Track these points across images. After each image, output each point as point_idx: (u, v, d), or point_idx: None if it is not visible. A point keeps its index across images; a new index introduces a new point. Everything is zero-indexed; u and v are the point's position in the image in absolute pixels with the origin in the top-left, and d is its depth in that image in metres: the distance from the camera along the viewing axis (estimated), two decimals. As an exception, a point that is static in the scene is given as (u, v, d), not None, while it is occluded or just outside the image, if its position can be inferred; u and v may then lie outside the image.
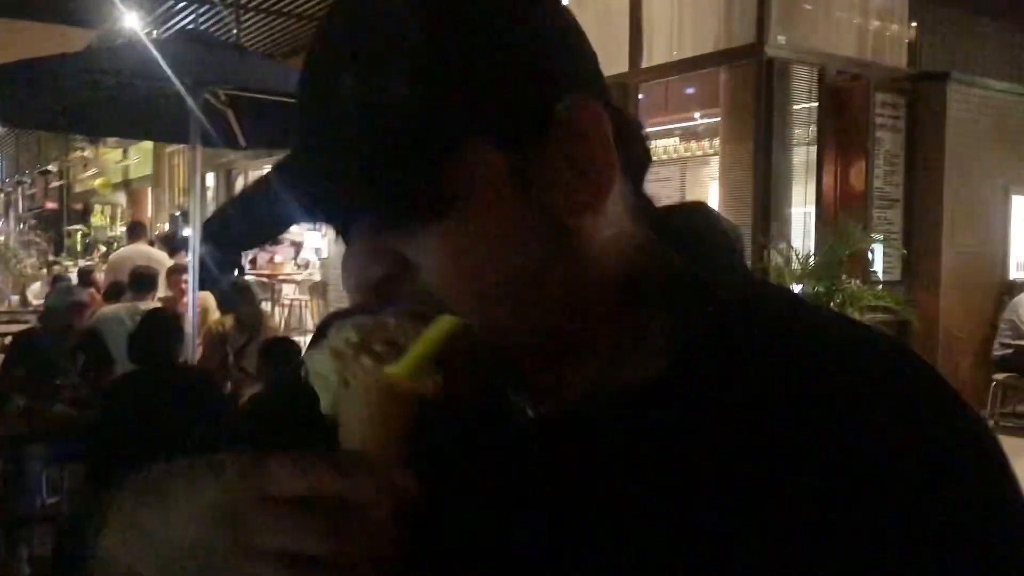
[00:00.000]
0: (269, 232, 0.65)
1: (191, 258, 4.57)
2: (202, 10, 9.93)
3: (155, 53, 3.66)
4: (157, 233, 15.07)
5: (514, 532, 0.62)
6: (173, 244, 9.22)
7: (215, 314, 6.78)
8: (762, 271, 7.20)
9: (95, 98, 3.85)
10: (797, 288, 7.22)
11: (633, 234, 0.63)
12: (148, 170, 21.15)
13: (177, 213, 18.48)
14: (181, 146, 18.22)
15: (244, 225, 0.64)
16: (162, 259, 7.78)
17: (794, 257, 7.28)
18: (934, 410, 0.55)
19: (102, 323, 4.71)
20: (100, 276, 10.28)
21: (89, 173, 23.52)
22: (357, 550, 0.50)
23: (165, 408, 2.95)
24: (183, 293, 6.70)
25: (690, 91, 9.31)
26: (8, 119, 5.25)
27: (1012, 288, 8.17)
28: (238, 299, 5.28)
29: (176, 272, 6.22)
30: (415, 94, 0.56)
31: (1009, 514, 0.54)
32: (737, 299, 0.61)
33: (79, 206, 27.00)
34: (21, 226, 24.48)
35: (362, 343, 0.55)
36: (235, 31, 8.67)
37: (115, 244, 20.22)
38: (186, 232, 15.10)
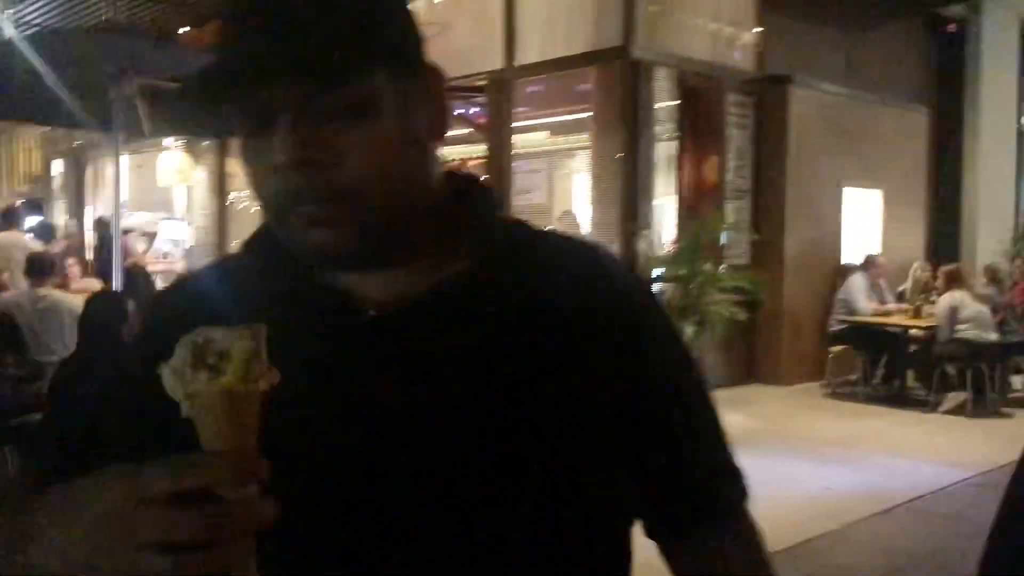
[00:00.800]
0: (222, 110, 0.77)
1: (114, 242, 4.65)
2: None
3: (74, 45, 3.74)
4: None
5: (358, 416, 0.78)
6: (42, 230, 8.93)
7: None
8: (629, 256, 7.81)
9: (10, 84, 3.90)
10: (661, 271, 7.88)
11: (449, 172, 0.87)
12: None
13: (18, 202, 17.58)
14: (18, 130, 17.34)
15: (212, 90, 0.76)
16: (35, 247, 7.61)
17: (656, 243, 7.92)
18: (631, 272, 0.95)
19: (7, 310, 4.74)
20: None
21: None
22: (224, 531, 0.59)
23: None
24: (71, 279, 6.66)
25: (559, 89, 9.81)
26: None
27: (844, 271, 9.11)
28: (138, 284, 5.36)
29: (64, 258, 6.18)
30: (352, 27, 0.74)
31: (669, 335, 0.90)
32: (516, 222, 0.90)
33: None
34: None
35: (196, 360, 0.62)
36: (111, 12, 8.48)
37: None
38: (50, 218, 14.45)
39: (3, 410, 3.93)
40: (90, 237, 13.07)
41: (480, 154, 11.58)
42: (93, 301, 3.71)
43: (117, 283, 7.38)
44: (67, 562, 0.63)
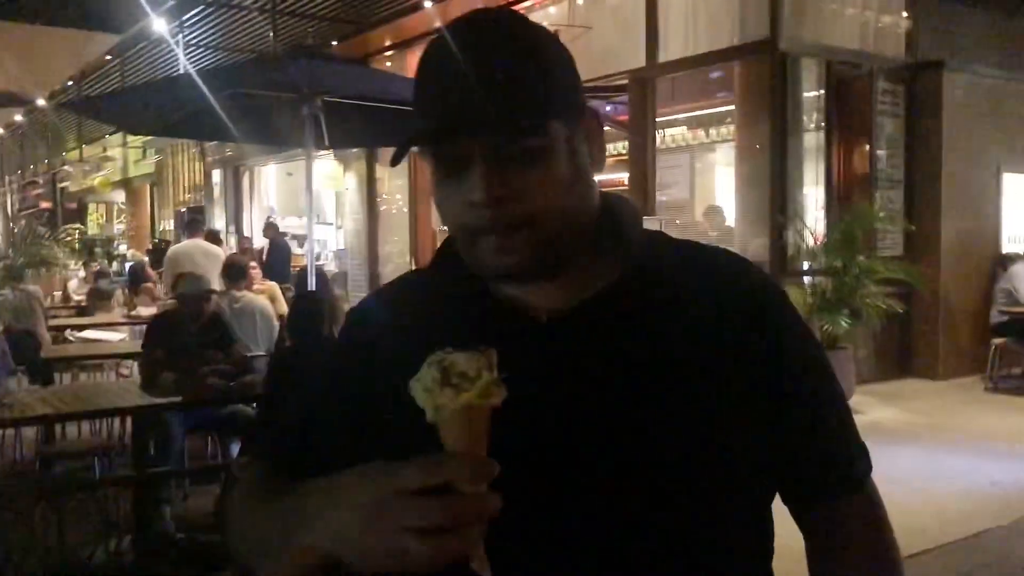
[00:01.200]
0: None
1: (308, 247, 5.07)
2: (232, 15, 10.33)
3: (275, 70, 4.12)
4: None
5: (546, 418, 0.90)
6: (215, 238, 9.64)
7: (281, 302, 7.27)
8: (781, 248, 7.79)
9: (211, 107, 4.34)
10: (811, 264, 7.83)
11: (601, 194, 1.01)
12: (149, 168, 21.43)
13: (183, 209, 18.83)
14: (180, 145, 18.51)
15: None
16: (219, 252, 8.23)
17: (809, 235, 7.86)
18: (761, 272, 1.03)
19: (216, 309, 5.22)
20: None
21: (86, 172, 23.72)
22: (465, 519, 0.71)
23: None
24: (252, 281, 7.19)
25: (700, 83, 9.83)
26: (133, 129, 5.71)
27: (1005, 260, 8.77)
28: (321, 285, 5.75)
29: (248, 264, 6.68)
30: (534, 88, 0.89)
31: (794, 326, 1.00)
32: (656, 233, 1.03)
33: (73, 205, 27.20)
34: (10, 226, 24.53)
35: (443, 378, 0.75)
36: (271, 34, 9.10)
37: (117, 242, 20.51)
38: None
39: (216, 400, 4.37)
40: (257, 241, 13.82)
41: (622, 151, 11.73)
42: (300, 301, 4.08)
43: (289, 283, 7.90)
44: (338, 543, 0.77)
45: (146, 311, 8.10)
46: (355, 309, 1.10)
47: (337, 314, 5.93)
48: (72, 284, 11.08)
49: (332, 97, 4.59)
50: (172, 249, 8.73)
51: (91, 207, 27.25)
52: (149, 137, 18.68)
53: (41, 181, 26.27)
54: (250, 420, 4.52)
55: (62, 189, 25.83)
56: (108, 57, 12.93)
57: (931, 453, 6.14)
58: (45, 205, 26.54)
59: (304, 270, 6.90)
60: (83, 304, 9.83)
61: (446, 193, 0.92)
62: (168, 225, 20.52)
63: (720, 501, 0.90)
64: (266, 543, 0.87)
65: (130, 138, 19.25)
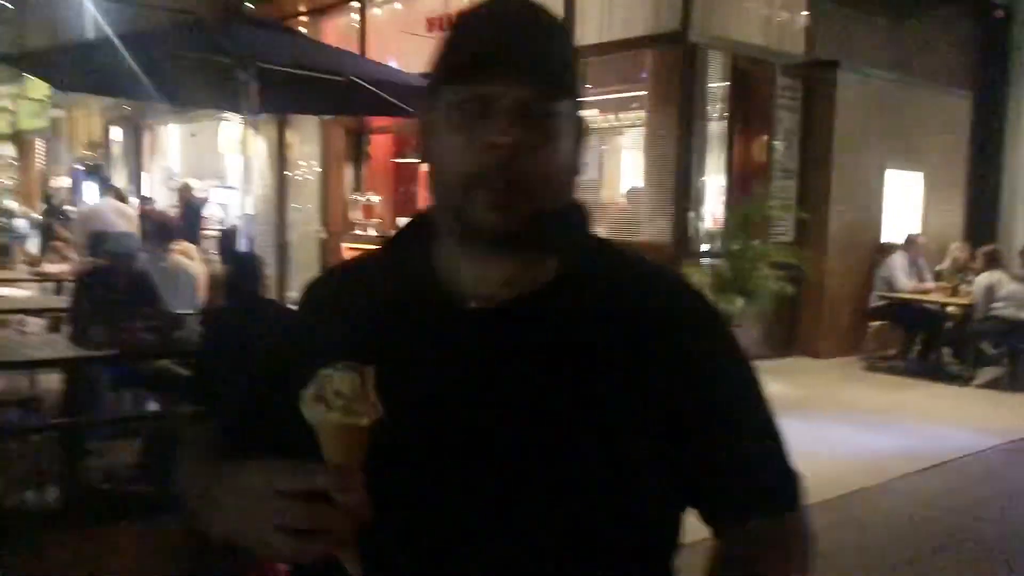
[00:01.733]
0: None
1: (236, 211, 5.12)
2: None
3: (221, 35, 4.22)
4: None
5: (456, 404, 0.92)
6: (122, 197, 9.50)
7: (198, 262, 7.29)
8: (683, 230, 8.23)
9: (150, 69, 4.41)
10: (712, 245, 8.30)
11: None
12: (43, 123, 20.58)
13: (79, 165, 18.21)
14: (79, 99, 17.89)
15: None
16: (131, 212, 8.16)
17: (709, 218, 8.34)
18: (697, 293, 1.05)
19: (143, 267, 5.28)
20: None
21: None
22: (330, 523, 0.78)
23: (256, 336, 3.61)
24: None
25: (611, 69, 10.17)
26: (81, 88, 5.66)
27: (884, 249, 9.46)
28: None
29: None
30: (565, 60, 0.95)
31: (733, 353, 1.01)
32: (604, 241, 1.05)
33: (-46, 157, 25.85)
34: None
35: (317, 394, 0.78)
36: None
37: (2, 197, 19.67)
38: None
39: (148, 355, 4.47)
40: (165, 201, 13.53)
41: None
42: (236, 262, 4.22)
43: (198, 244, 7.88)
44: (223, 525, 0.87)
45: (54, 268, 7.99)
46: (311, 286, 1.11)
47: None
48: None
49: (268, 64, 4.71)
50: (85, 208, 8.60)
51: (-26, 160, 25.92)
52: (53, 91, 18.01)
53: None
54: (178, 377, 4.64)
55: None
56: (8, 5, 12.43)
57: (813, 423, 6.68)
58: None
59: (231, 231, 6.95)
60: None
61: (457, 137, 0.92)
62: (62, 183, 19.79)
63: (618, 502, 0.91)
64: (197, 501, 0.95)
65: (30, 90, 18.46)
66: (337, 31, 11.45)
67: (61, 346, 4.44)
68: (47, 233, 10.81)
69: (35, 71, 5.72)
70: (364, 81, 5.43)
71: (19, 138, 22.41)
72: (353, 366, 0.78)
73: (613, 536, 0.92)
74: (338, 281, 1.11)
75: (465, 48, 0.94)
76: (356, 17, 11.35)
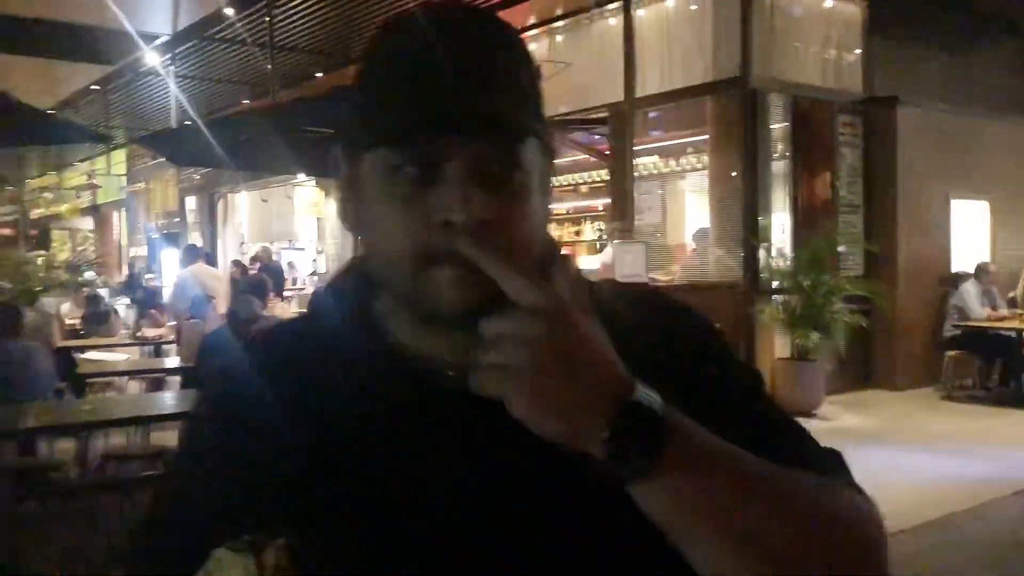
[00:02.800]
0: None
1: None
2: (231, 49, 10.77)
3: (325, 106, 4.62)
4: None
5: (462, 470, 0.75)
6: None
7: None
8: (753, 268, 8.40)
9: (267, 142, 4.81)
10: (783, 282, 8.45)
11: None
12: (121, 196, 21.56)
13: (155, 235, 19.03)
14: (153, 171, 18.76)
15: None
16: (223, 275, 8.61)
17: (778, 256, 8.50)
18: (699, 315, 0.93)
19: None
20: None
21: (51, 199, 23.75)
22: None
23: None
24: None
25: (673, 115, 10.48)
26: (196, 163, 6.16)
27: (955, 279, 9.50)
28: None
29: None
30: (524, 93, 0.76)
31: (734, 356, 0.91)
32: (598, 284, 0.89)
33: (34, 232, 27.06)
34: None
35: None
36: (270, 66, 9.57)
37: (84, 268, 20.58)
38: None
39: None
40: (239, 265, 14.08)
41: (596, 179, 12.35)
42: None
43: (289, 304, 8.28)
44: None
45: (152, 332, 8.46)
46: (246, 347, 0.87)
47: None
48: (64, 307, 11.31)
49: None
50: (179, 274, 9.07)
51: (55, 233, 27.14)
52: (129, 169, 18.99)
53: (5, 209, 26.14)
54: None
55: (17, 215, 25.72)
56: (94, 87, 13.23)
57: (896, 453, 6.74)
58: (6, 232, 26.37)
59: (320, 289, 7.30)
60: (77, 327, 10.09)
61: (395, 211, 0.73)
62: (140, 251, 20.66)
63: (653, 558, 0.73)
64: None
65: (113, 166, 19.46)
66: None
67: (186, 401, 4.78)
68: (138, 300, 11.36)
69: (158, 149, 6.18)
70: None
71: (98, 211, 23.51)
72: (248, 543, 0.66)
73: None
74: (276, 348, 0.87)
75: (396, 89, 0.73)
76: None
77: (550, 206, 0.83)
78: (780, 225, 9.03)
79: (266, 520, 0.70)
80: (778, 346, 8.39)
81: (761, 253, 8.40)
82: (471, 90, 0.72)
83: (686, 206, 12.02)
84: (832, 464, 0.84)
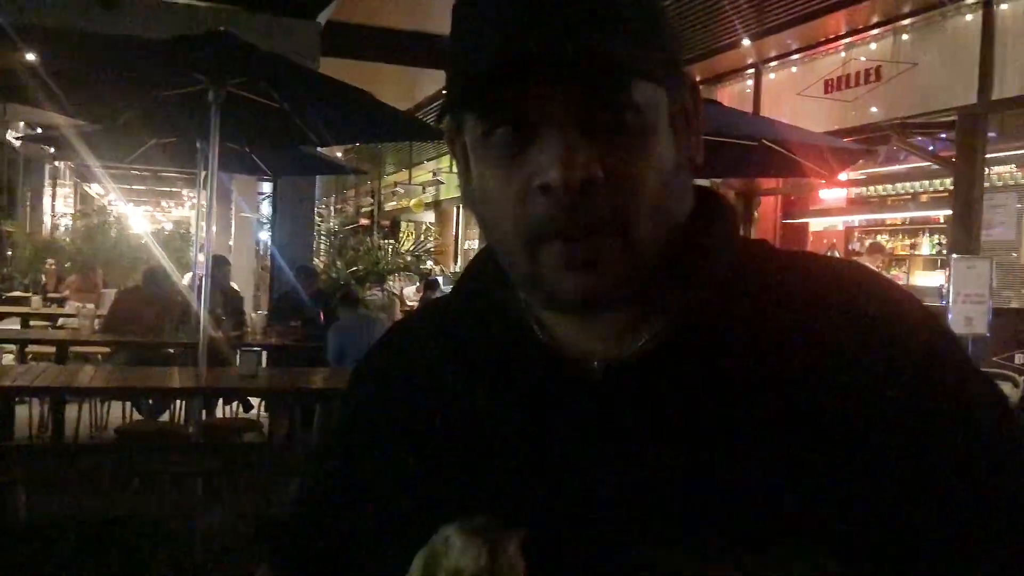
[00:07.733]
0: None
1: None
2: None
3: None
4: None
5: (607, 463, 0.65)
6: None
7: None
8: None
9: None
10: None
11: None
12: (457, 192, 23.33)
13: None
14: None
15: None
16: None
17: None
18: (911, 301, 0.68)
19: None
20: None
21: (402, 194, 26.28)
22: None
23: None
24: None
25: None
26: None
27: None
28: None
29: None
30: (637, 25, 0.64)
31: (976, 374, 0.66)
32: (757, 247, 0.73)
33: (387, 223, 30.04)
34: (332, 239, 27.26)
35: (425, 572, 0.58)
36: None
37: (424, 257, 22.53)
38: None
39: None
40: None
41: (940, 188, 11.41)
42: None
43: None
44: None
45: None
46: (365, 359, 0.85)
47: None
48: (408, 290, 12.56)
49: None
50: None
51: (403, 225, 30.00)
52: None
53: (366, 201, 29.34)
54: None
55: (378, 208, 28.70)
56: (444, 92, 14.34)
57: None
58: (364, 222, 29.55)
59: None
60: (416, 308, 11.16)
61: (496, 179, 0.65)
62: (472, 244, 22.32)
63: None
64: None
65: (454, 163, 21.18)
66: (731, 96, 11.81)
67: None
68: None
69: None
70: (770, 142, 5.64)
71: (440, 206, 25.64)
72: (482, 528, 0.59)
73: None
74: (401, 350, 0.82)
75: (484, 32, 0.63)
76: (750, 83, 11.63)
77: (698, 158, 0.70)
78: None
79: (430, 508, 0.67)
80: None
81: None
82: (569, 20, 0.61)
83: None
84: None
